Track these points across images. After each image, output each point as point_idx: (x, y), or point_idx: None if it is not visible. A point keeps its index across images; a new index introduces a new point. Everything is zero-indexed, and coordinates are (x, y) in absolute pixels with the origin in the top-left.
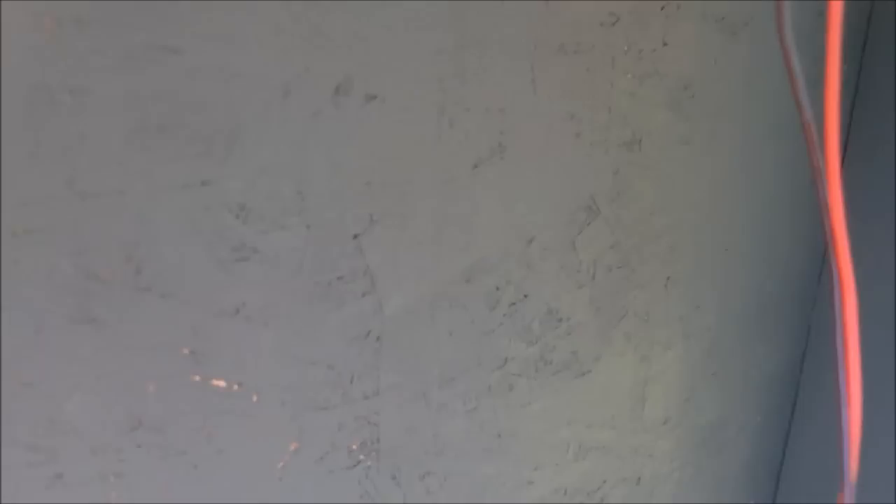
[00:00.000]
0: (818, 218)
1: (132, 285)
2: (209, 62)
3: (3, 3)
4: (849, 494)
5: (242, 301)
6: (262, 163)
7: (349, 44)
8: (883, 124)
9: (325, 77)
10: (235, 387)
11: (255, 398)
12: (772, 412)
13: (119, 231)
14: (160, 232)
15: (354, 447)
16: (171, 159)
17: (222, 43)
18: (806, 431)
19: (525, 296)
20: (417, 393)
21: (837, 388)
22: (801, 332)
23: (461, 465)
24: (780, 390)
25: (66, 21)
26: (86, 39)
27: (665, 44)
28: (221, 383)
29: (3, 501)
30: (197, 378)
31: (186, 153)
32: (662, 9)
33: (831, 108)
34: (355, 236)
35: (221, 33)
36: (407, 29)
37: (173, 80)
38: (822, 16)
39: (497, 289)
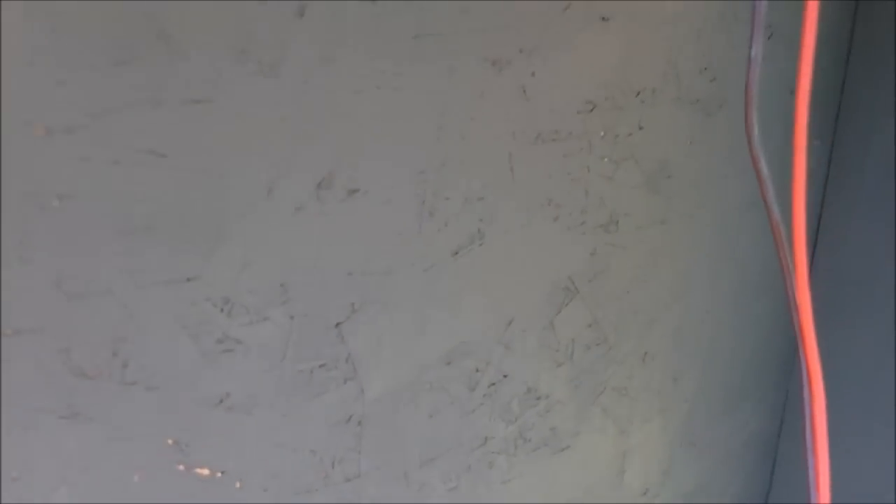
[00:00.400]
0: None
1: (118, 380)
2: (194, 164)
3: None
4: None
5: (226, 391)
6: (246, 258)
7: (331, 140)
8: (858, 184)
9: (307, 173)
10: (219, 474)
11: (238, 485)
12: (751, 479)
13: (106, 328)
14: (146, 327)
15: None
16: (156, 257)
17: (206, 145)
18: (785, 496)
19: (504, 376)
20: (398, 473)
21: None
22: (779, 399)
23: None
24: (759, 457)
25: (57, 129)
26: (75, 146)
27: (641, 128)
28: (205, 471)
29: None
30: (181, 467)
31: (171, 251)
32: (638, 94)
33: (799, 210)
34: (337, 324)
35: (206, 137)
36: (388, 123)
37: (159, 183)
38: (793, 93)
39: (477, 370)
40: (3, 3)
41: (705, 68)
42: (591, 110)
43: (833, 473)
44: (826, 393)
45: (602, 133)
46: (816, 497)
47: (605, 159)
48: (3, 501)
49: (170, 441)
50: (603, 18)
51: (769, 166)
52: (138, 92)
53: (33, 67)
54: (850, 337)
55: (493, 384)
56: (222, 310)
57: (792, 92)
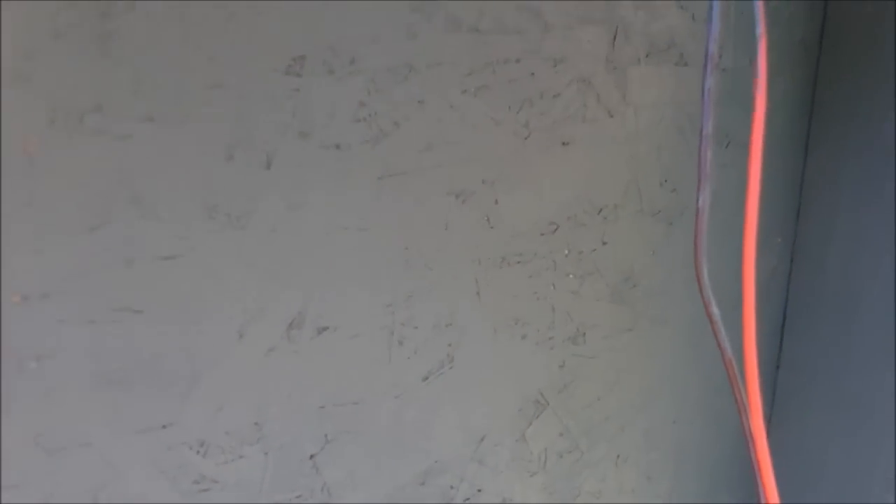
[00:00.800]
0: (761, 373)
1: None
2: (167, 316)
3: None
4: None
5: None
6: (220, 401)
7: (300, 282)
8: (823, 281)
9: (277, 315)
10: None
11: None
12: None
13: (86, 477)
14: (125, 473)
15: None
16: (132, 407)
17: (179, 298)
18: None
19: (479, 490)
20: None
21: None
22: (752, 494)
23: None
24: None
25: (33, 296)
26: (51, 310)
27: (604, 243)
28: None
29: None
30: None
31: (147, 400)
32: (600, 212)
33: (749, 345)
34: (311, 456)
35: (178, 290)
36: (355, 261)
37: (134, 337)
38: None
39: (451, 487)
40: None
41: (665, 180)
42: (555, 231)
43: (833, 473)
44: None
45: (566, 251)
46: None
47: (570, 275)
48: None
49: None
50: (563, 143)
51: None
52: (111, 253)
53: (10, 237)
54: (822, 428)
55: (468, 499)
56: (198, 452)
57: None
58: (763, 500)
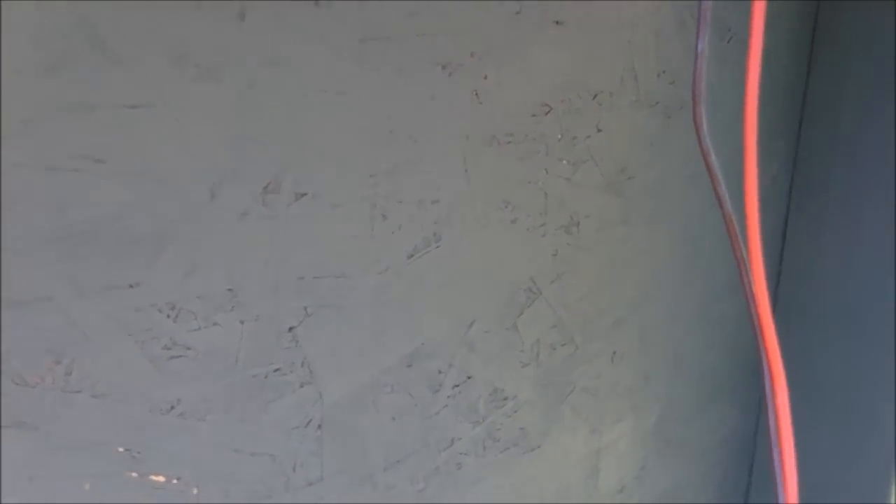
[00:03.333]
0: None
1: (62, 387)
2: (132, 169)
3: None
4: None
5: (177, 398)
6: (191, 263)
7: (277, 144)
8: (825, 187)
9: (252, 178)
10: (175, 481)
11: (195, 491)
12: (729, 476)
13: (47, 335)
14: (90, 334)
15: None
16: (96, 263)
17: (145, 150)
18: (764, 495)
19: (469, 377)
20: (363, 477)
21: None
22: (754, 398)
23: None
24: (737, 453)
25: None
26: (6, 153)
27: (599, 130)
28: (160, 478)
29: None
30: (134, 474)
31: (112, 258)
32: (595, 97)
33: (751, 202)
34: (290, 329)
35: (145, 142)
36: (335, 126)
37: (97, 189)
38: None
39: (440, 372)
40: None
41: (664, 71)
42: (547, 113)
43: (834, 384)
44: (815, 391)
45: (559, 136)
46: (784, 497)
47: (564, 161)
48: None
49: (120, 449)
50: (556, 22)
51: (720, 159)
52: (70, 97)
53: None
54: (825, 337)
55: (457, 385)
56: (168, 315)
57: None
58: (765, 362)
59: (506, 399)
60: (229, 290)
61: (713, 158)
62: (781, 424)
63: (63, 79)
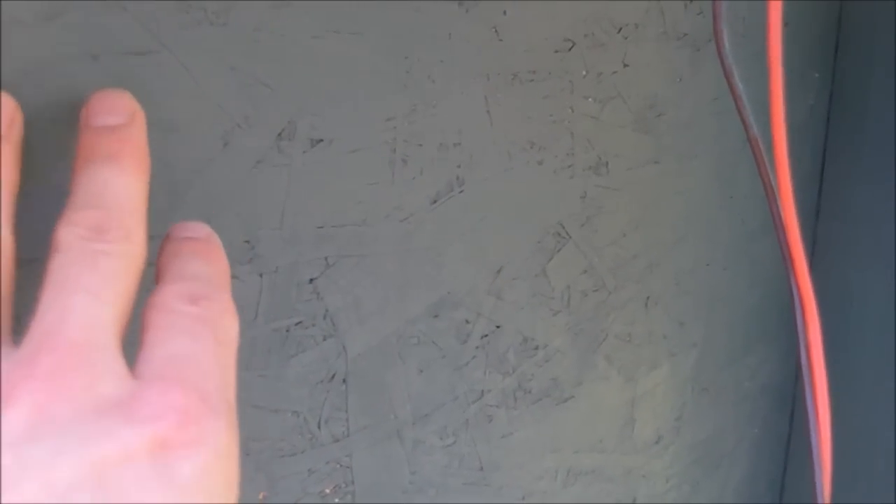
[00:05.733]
0: (800, 220)
1: None
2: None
3: None
4: None
5: None
6: (205, 214)
7: (290, 89)
8: (863, 119)
9: (265, 124)
10: None
11: None
12: (769, 423)
13: None
14: None
15: (328, 491)
16: None
17: (153, 98)
18: (805, 440)
19: (497, 326)
20: (390, 431)
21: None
22: (793, 339)
23: (443, 502)
24: (777, 399)
25: None
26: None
27: (626, 65)
28: None
29: None
30: None
31: None
32: (619, 31)
33: (777, 120)
34: (311, 280)
35: (151, 89)
36: (350, 68)
37: None
38: (786, 26)
39: (467, 322)
40: None
41: (691, 1)
42: (571, 49)
43: (877, 324)
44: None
45: (584, 72)
46: (817, 441)
47: (590, 99)
48: None
49: None
50: None
51: (751, 91)
52: (73, 46)
53: None
54: (866, 275)
55: (486, 336)
56: None
57: (785, 24)
58: (796, 293)
59: (536, 348)
60: (246, 241)
61: (736, 79)
62: (815, 366)
63: (64, 27)
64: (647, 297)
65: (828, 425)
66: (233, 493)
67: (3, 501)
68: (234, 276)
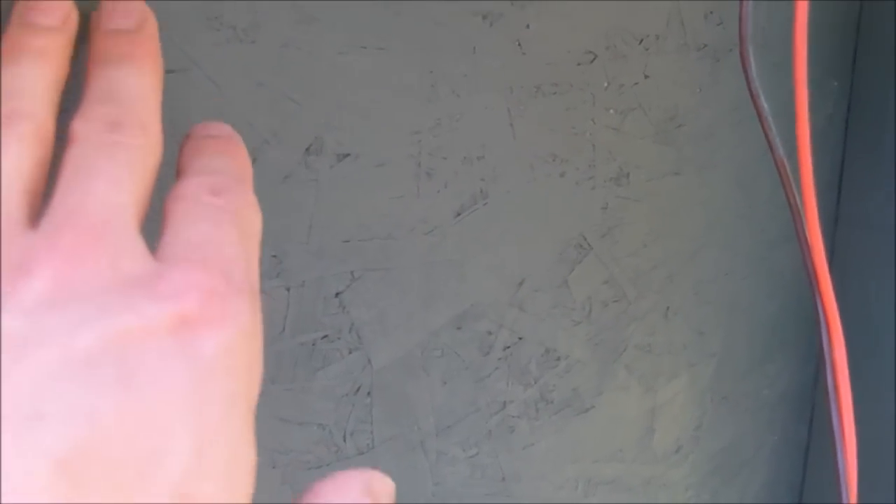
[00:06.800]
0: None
1: None
2: (170, 135)
3: None
4: None
5: None
6: None
7: (316, 104)
8: (882, 128)
9: (293, 140)
10: None
11: None
12: (789, 430)
13: None
14: None
15: None
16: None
17: (183, 115)
18: (826, 446)
19: (520, 338)
20: (414, 443)
21: (831, 425)
22: (812, 347)
23: None
24: (796, 407)
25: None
26: None
27: (646, 76)
28: None
29: None
30: None
31: (154, 228)
32: (641, 42)
33: (804, 145)
34: (337, 294)
35: (183, 106)
36: (375, 83)
37: None
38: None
39: (490, 333)
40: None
41: (711, 12)
42: (593, 61)
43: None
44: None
45: (605, 84)
46: (842, 453)
47: (611, 111)
48: None
49: None
50: None
51: (772, 102)
52: None
53: None
54: (886, 284)
55: (508, 347)
56: None
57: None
58: (821, 313)
59: (558, 359)
60: (273, 256)
61: (762, 101)
62: (839, 378)
63: None
64: (667, 308)
65: (853, 445)
66: (255, 374)
67: (18, 369)
68: (261, 291)
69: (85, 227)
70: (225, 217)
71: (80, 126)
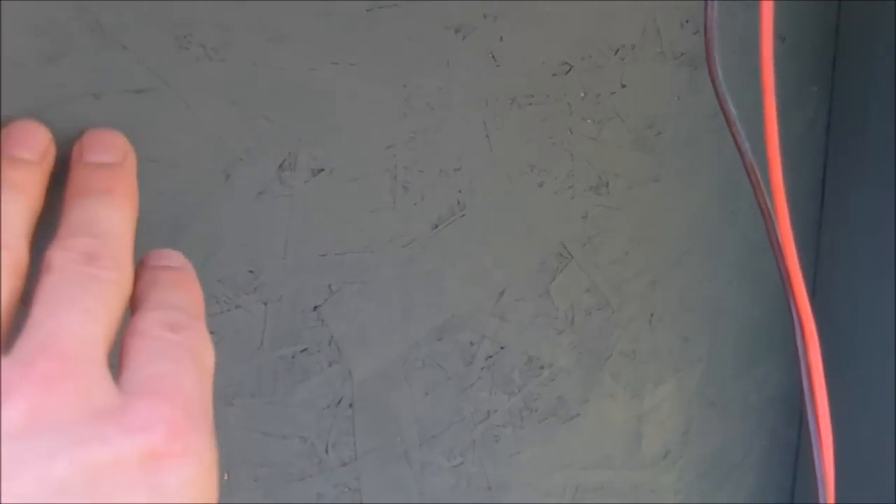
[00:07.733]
0: (804, 233)
1: None
2: (143, 155)
3: None
4: None
5: None
6: (210, 247)
7: (289, 121)
8: (863, 132)
9: (266, 156)
10: None
11: (226, 476)
12: (777, 434)
13: None
14: None
15: None
16: None
17: (155, 134)
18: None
19: (502, 347)
20: (398, 454)
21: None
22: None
23: None
24: (784, 410)
25: None
26: None
27: (623, 86)
28: None
29: None
30: None
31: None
32: (616, 52)
33: (773, 149)
34: (315, 308)
35: (153, 126)
36: (348, 98)
37: None
38: (783, 40)
39: (472, 343)
40: None
41: (687, 21)
42: (568, 72)
43: (883, 339)
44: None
45: (582, 94)
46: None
47: (589, 120)
48: None
49: None
50: None
51: (750, 108)
52: (75, 86)
53: None
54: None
55: (491, 357)
56: None
57: (782, 39)
58: (795, 314)
59: (542, 368)
60: (250, 271)
61: (730, 106)
62: (814, 380)
63: (65, 68)
64: (651, 314)
65: (830, 444)
66: None
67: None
68: (238, 306)
69: (58, 357)
70: (183, 354)
71: (58, 255)
